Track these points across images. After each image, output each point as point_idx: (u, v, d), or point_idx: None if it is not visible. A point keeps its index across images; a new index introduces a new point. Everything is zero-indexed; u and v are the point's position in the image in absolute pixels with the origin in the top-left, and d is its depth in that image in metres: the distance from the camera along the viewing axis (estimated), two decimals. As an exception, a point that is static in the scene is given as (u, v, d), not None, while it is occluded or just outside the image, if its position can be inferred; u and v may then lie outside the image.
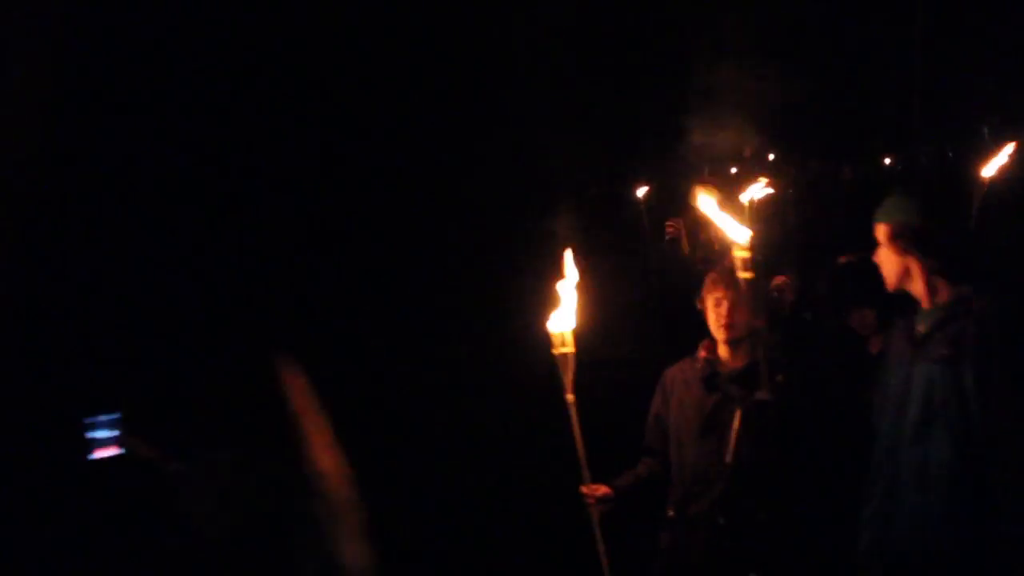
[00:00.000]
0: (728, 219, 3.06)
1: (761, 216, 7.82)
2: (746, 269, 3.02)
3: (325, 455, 2.32)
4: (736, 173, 10.08)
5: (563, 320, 2.95)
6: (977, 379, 2.57)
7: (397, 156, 5.81)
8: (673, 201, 8.44)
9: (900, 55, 14.40)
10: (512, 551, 4.60)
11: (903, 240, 2.77)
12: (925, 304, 2.79)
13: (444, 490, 4.85)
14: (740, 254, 3.02)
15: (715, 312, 3.34)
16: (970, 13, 13.97)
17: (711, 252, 7.92)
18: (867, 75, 14.36)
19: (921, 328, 2.76)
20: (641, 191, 7.82)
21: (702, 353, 3.43)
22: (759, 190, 7.43)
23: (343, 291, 5.28)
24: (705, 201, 3.14)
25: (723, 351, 3.39)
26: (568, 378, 2.97)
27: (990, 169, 5.48)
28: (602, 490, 3.27)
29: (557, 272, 3.05)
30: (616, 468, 3.50)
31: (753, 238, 3.02)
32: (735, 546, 3.20)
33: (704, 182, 3.14)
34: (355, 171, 5.51)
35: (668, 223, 8.30)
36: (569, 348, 2.95)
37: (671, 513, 3.35)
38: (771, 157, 12.19)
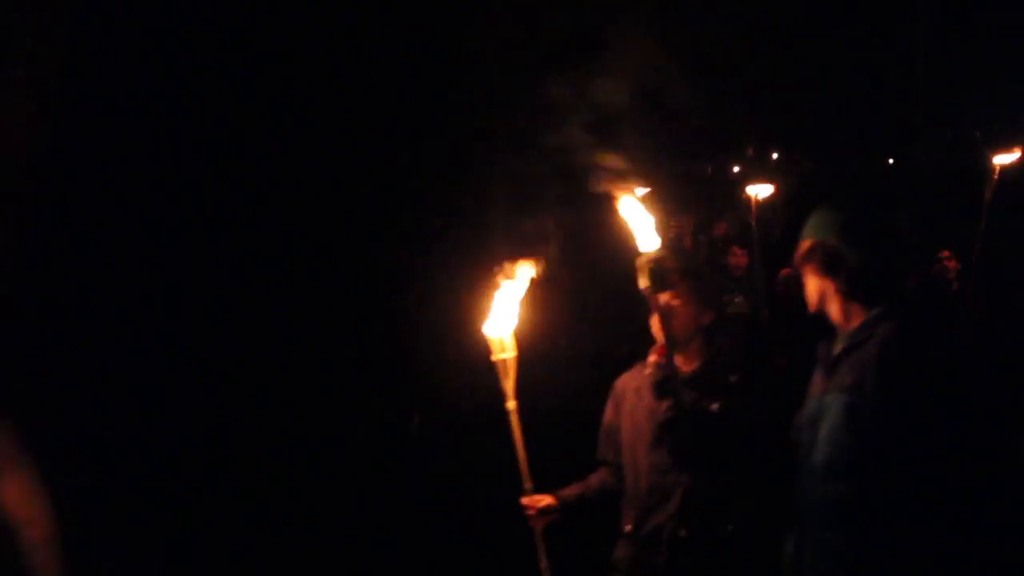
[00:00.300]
0: (644, 225, 2.87)
1: (761, 215, 7.79)
2: (649, 279, 2.83)
3: (20, 500, 2.35)
4: (739, 171, 10.04)
5: (503, 325, 2.83)
6: (876, 408, 2.37)
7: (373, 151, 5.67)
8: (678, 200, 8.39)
9: (902, 54, 14.37)
10: (459, 565, 4.42)
11: (818, 260, 2.59)
12: (842, 328, 2.60)
13: (398, 499, 4.66)
14: (644, 262, 2.84)
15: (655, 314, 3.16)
16: (972, 13, 13.96)
17: (716, 252, 7.87)
18: (869, 75, 14.32)
19: (835, 354, 2.58)
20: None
21: (652, 358, 3.21)
22: (763, 190, 7.36)
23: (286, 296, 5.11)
24: (624, 203, 2.92)
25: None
26: (508, 385, 2.82)
27: (1002, 158, 5.30)
28: (545, 501, 3.06)
29: (502, 276, 2.92)
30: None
31: (663, 248, 2.86)
32: (700, 561, 2.97)
33: (625, 183, 2.99)
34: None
35: (671, 222, 8.24)
36: (509, 353, 2.83)
37: (629, 527, 3.11)
38: (775, 156, 12.17)
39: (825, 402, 2.51)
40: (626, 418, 3.18)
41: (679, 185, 9.10)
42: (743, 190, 7.47)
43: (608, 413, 3.29)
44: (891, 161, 12.48)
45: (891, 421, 2.35)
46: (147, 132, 4.57)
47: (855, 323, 2.55)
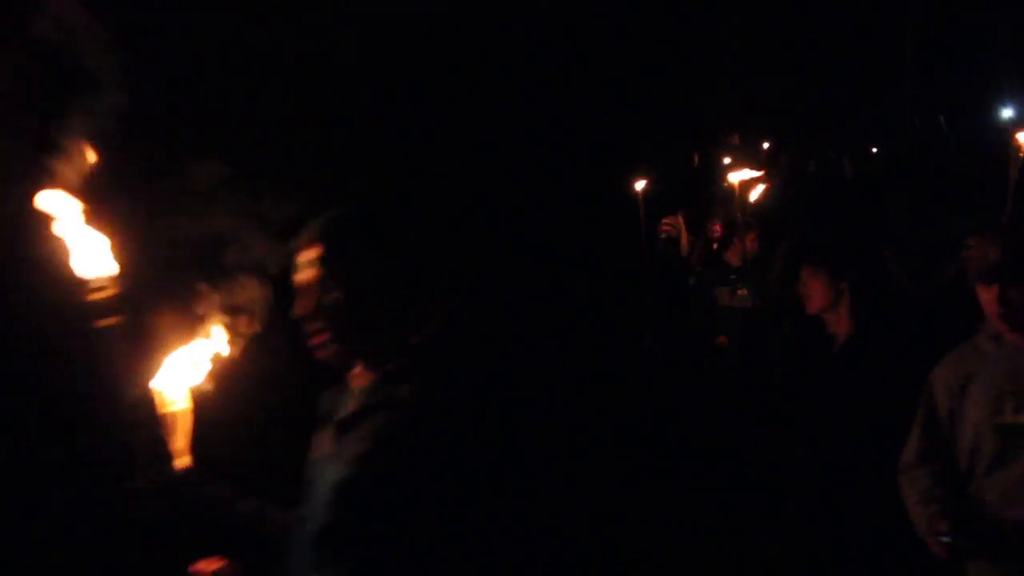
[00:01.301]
0: (92, 245, 2.31)
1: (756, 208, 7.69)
2: (108, 313, 2.27)
3: None
4: (729, 163, 9.96)
5: (176, 374, 2.42)
6: (395, 486, 1.87)
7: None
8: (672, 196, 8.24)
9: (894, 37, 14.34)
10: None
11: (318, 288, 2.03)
12: (354, 382, 2.09)
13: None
14: (96, 295, 2.26)
15: None
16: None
17: (710, 253, 7.70)
18: (857, 56, 14.26)
19: (344, 414, 2.05)
20: (640, 184, 7.59)
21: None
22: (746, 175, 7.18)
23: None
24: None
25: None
26: (179, 440, 2.41)
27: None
28: (216, 565, 2.61)
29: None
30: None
31: (121, 275, 2.27)
32: None
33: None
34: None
35: (665, 221, 8.10)
36: (182, 406, 2.40)
37: None
38: (765, 146, 12.09)
39: (329, 472, 2.00)
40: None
41: (667, 180, 8.99)
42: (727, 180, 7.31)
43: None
44: (875, 150, 12.45)
45: (408, 505, 1.87)
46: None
47: (369, 377, 2.04)
